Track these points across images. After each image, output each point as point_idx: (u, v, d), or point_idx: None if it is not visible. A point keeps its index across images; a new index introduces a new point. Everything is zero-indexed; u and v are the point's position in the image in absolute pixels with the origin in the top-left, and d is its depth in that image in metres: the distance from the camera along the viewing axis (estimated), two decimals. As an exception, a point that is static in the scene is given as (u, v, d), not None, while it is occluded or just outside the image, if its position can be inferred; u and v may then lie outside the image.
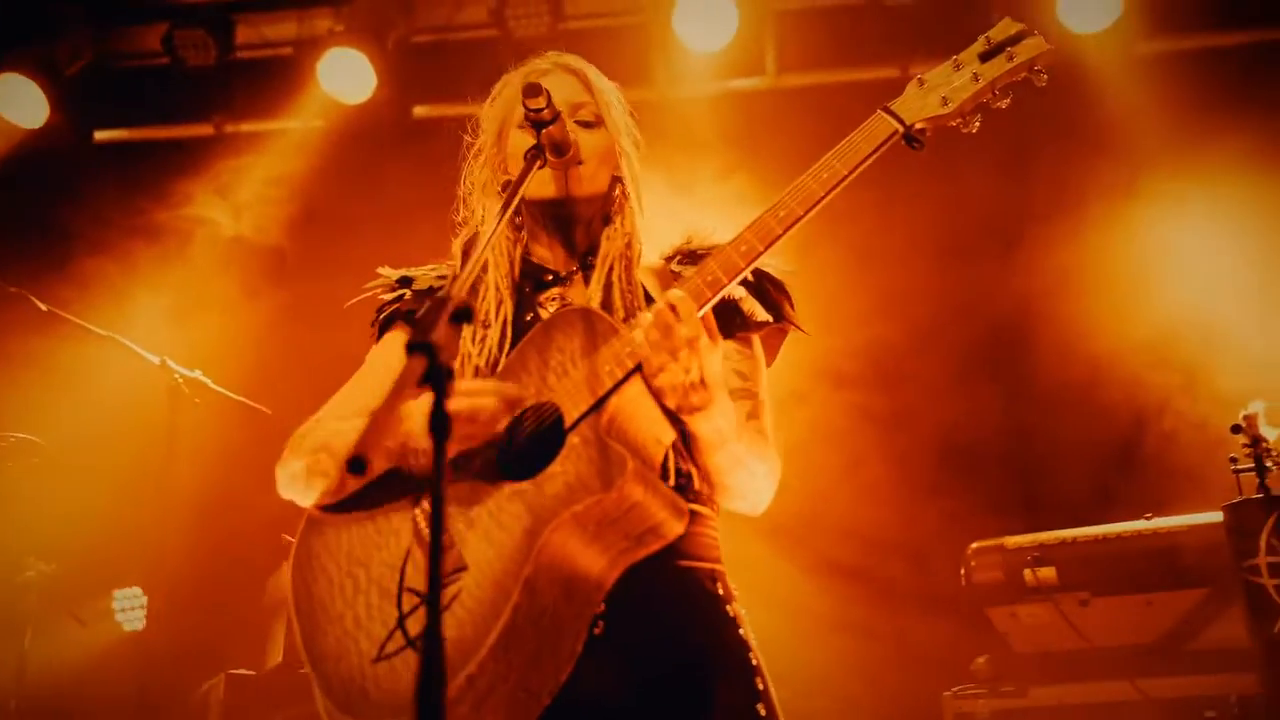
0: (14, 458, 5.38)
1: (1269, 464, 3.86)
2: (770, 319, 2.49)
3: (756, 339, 2.54)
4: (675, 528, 2.18)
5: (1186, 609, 4.25)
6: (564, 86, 2.53)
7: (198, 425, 5.25)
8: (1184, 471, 5.29)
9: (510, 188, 2.29)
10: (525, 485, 2.15)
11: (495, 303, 2.46)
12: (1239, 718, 4.03)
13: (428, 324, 1.54)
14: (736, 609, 2.38)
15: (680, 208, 3.00)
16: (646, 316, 2.15)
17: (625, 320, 2.36)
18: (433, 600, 1.37)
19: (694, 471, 2.38)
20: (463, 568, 2.14)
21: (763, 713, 2.27)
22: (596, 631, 2.17)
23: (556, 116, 2.36)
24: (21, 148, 6.94)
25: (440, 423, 1.45)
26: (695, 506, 2.35)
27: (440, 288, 2.57)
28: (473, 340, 2.43)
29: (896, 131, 2.24)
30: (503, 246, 2.52)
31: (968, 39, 2.30)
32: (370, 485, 2.30)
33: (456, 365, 2.41)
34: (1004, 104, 2.24)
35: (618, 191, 2.56)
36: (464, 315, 1.55)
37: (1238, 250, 5.85)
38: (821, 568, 5.57)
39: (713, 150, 6.16)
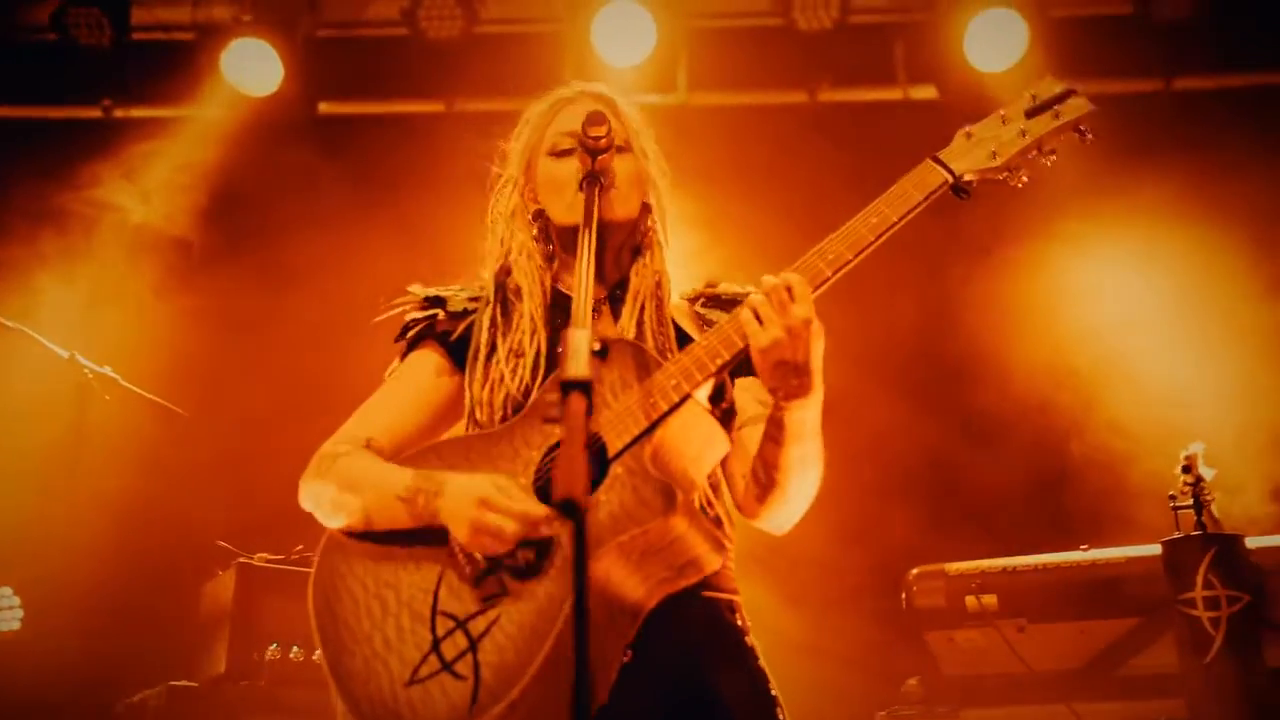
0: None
1: (1207, 500, 4.04)
2: None
3: None
4: (714, 561, 2.22)
5: (1120, 636, 4.41)
6: None
7: (108, 423, 5.11)
8: (1102, 498, 5.50)
9: (584, 216, 2.31)
10: None
11: (529, 332, 2.48)
12: (1169, 741, 4.20)
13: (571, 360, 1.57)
14: (753, 640, 2.43)
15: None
16: (756, 297, 2.17)
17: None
18: (579, 630, 1.38)
19: (721, 513, 2.44)
20: (502, 593, 2.15)
21: None
22: (626, 659, 2.20)
23: (611, 145, 2.39)
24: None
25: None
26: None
27: (474, 310, 2.58)
28: (507, 366, 2.44)
29: (946, 181, 2.30)
30: (535, 275, 2.54)
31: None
32: None
33: (486, 394, 2.43)
34: (1050, 160, 2.32)
35: (649, 222, 2.60)
36: (603, 353, 1.58)
37: (1147, 286, 6.10)
38: (759, 590, 5.62)
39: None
